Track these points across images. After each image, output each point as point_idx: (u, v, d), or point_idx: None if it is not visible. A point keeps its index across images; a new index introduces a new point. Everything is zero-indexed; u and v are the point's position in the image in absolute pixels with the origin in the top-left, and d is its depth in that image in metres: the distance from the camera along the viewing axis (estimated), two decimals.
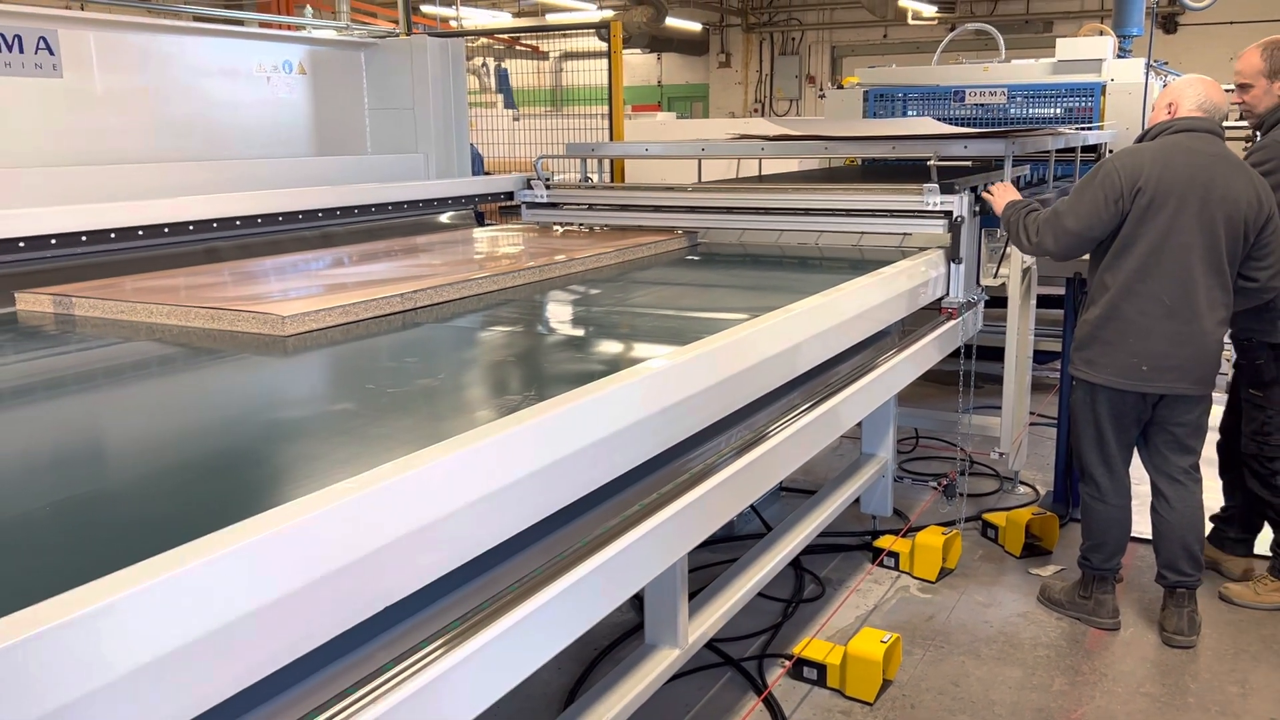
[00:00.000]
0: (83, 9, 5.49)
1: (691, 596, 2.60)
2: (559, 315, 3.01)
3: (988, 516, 4.43)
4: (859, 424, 3.85)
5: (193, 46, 3.96)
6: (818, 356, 2.78)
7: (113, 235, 3.18)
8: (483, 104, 9.44)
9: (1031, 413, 5.35)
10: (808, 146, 4.96)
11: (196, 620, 1.16)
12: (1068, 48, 6.14)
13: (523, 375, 2.26)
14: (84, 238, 3.11)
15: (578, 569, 1.80)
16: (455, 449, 1.54)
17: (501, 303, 2.97)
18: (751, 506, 3.94)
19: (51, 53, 3.42)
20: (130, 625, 1.09)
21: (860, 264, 3.59)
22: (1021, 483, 5.07)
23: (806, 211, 4.01)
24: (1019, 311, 4.44)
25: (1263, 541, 3.99)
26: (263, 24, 4.90)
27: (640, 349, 2.45)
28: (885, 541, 4.13)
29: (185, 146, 3.91)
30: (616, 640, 3.48)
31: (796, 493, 4.76)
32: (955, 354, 3.98)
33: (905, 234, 3.90)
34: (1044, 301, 4.93)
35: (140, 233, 3.27)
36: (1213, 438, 3.92)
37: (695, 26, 19.22)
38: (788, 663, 3.35)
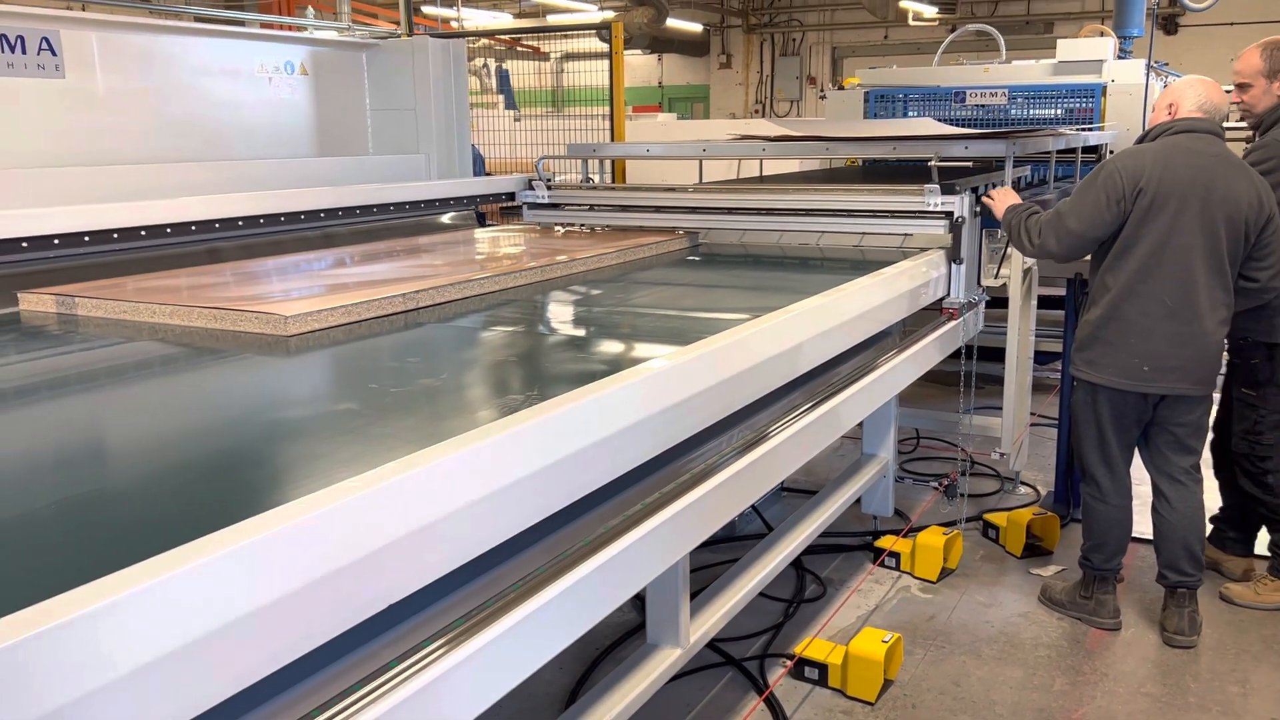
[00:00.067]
0: (84, 9, 5.49)
1: (693, 596, 2.61)
2: (560, 315, 3.01)
3: (989, 517, 4.43)
4: (860, 424, 3.85)
5: (195, 47, 3.97)
6: (819, 357, 2.78)
7: (115, 235, 3.19)
8: (484, 105, 9.43)
9: (1032, 413, 5.35)
10: (809, 147, 4.96)
11: (197, 620, 1.16)
12: (1068, 49, 6.14)
13: (524, 375, 2.27)
14: (87, 238, 3.11)
15: (579, 568, 1.81)
16: (457, 449, 1.54)
17: (503, 303, 2.97)
18: (753, 506, 3.94)
19: (54, 53, 3.43)
20: (131, 625, 1.09)
21: (861, 264, 3.59)
22: (1022, 483, 5.06)
23: (807, 212, 4.00)
24: (1020, 312, 4.44)
25: (1262, 541, 3.99)
26: (264, 25, 4.90)
27: (641, 349, 2.46)
28: (886, 542, 4.13)
29: (187, 147, 3.91)
30: (618, 640, 3.48)
31: (798, 493, 4.75)
32: (956, 354, 3.99)
33: (906, 234, 3.90)
34: (1045, 302, 4.93)
35: (143, 233, 3.28)
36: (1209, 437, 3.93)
37: (696, 27, 19.22)
38: (789, 662, 3.35)
